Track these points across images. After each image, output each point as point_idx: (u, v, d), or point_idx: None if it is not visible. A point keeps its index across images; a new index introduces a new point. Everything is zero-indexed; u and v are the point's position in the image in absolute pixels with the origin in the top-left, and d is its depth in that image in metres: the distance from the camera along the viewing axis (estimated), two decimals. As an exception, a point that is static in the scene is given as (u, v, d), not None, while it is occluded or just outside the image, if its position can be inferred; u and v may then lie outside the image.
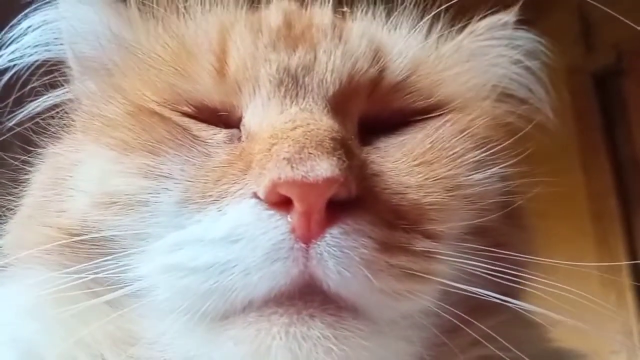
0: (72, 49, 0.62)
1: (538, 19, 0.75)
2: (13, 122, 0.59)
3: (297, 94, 0.52)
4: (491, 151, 0.55)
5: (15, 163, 0.58)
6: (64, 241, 0.50)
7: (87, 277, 0.48)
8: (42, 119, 0.59)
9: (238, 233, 0.45)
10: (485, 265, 0.49)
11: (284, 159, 0.44)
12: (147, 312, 0.49)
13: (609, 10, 0.69)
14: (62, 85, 0.61)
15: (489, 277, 0.49)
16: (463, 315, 0.49)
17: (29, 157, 0.58)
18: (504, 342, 0.50)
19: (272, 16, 0.58)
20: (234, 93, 0.54)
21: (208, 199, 0.47)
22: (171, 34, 0.57)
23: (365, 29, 0.59)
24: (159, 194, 0.49)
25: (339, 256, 0.44)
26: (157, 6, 0.59)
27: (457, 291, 0.48)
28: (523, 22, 0.67)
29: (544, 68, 0.66)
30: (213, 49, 0.55)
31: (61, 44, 0.62)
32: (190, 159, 0.50)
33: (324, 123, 0.49)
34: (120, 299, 0.48)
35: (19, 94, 0.59)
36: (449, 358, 0.51)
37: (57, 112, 0.59)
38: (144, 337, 0.49)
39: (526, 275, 0.52)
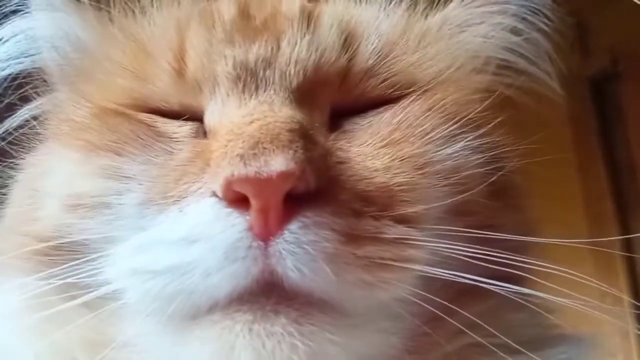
0: (45, 58, 0.63)
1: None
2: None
3: (256, 88, 0.51)
4: (461, 123, 0.53)
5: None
6: (34, 247, 0.51)
7: (56, 282, 0.49)
8: (19, 131, 0.61)
9: (196, 233, 0.45)
10: (470, 249, 0.47)
11: (237, 155, 0.44)
12: (120, 315, 0.50)
13: None
14: (37, 97, 0.62)
15: (475, 260, 0.47)
16: (446, 303, 0.47)
17: (6, 168, 0.60)
18: (491, 329, 0.49)
19: (225, 8, 0.57)
20: (194, 93, 0.54)
21: (169, 200, 0.47)
22: (127, 35, 0.57)
23: (337, 13, 0.57)
24: (121, 195, 0.49)
25: (298, 252, 0.43)
26: (112, 7, 0.59)
27: (439, 277, 0.47)
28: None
29: (545, 34, 0.62)
30: (171, 48, 0.55)
31: (33, 55, 0.63)
32: (153, 159, 0.50)
33: (282, 114, 0.48)
34: (95, 302, 0.49)
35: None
36: (433, 349, 0.50)
37: (34, 124, 0.61)
38: (117, 339, 0.50)
39: (519, 258, 0.49)
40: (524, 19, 0.62)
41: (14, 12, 0.61)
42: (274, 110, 0.49)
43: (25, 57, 0.62)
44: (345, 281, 0.44)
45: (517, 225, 0.55)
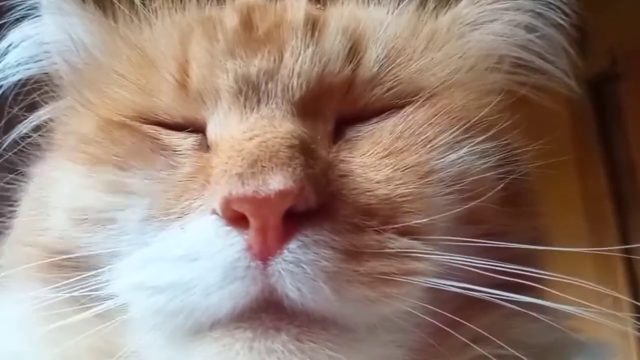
0: (53, 64, 0.63)
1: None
2: (3, 147, 0.61)
3: (258, 101, 0.51)
4: (465, 127, 0.51)
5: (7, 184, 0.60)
6: (46, 260, 0.51)
7: (64, 295, 0.49)
8: (28, 139, 0.61)
9: (196, 251, 0.45)
10: (477, 260, 0.46)
11: (235, 174, 0.44)
12: (127, 327, 0.50)
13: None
14: (45, 104, 0.62)
15: (483, 271, 0.46)
16: (452, 316, 0.46)
17: (16, 177, 0.60)
18: (499, 341, 0.47)
19: (227, 18, 0.56)
20: (197, 106, 0.53)
21: (172, 216, 0.47)
22: (132, 46, 0.57)
23: (344, 19, 0.56)
24: (125, 210, 0.50)
25: (297, 272, 0.43)
26: (117, 17, 0.59)
27: (445, 289, 0.46)
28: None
29: (561, 31, 0.60)
30: (175, 58, 0.54)
31: (42, 60, 0.63)
32: (156, 173, 0.50)
33: (282, 130, 0.47)
34: (104, 313, 0.49)
35: (8, 116, 0.59)
36: None
37: (42, 132, 0.61)
38: (125, 350, 0.50)
39: (527, 268, 0.48)
40: (539, 14, 0.59)
41: (23, 17, 0.60)
42: (274, 125, 0.48)
43: (34, 62, 0.62)
44: (347, 299, 0.44)
45: (528, 231, 0.54)
